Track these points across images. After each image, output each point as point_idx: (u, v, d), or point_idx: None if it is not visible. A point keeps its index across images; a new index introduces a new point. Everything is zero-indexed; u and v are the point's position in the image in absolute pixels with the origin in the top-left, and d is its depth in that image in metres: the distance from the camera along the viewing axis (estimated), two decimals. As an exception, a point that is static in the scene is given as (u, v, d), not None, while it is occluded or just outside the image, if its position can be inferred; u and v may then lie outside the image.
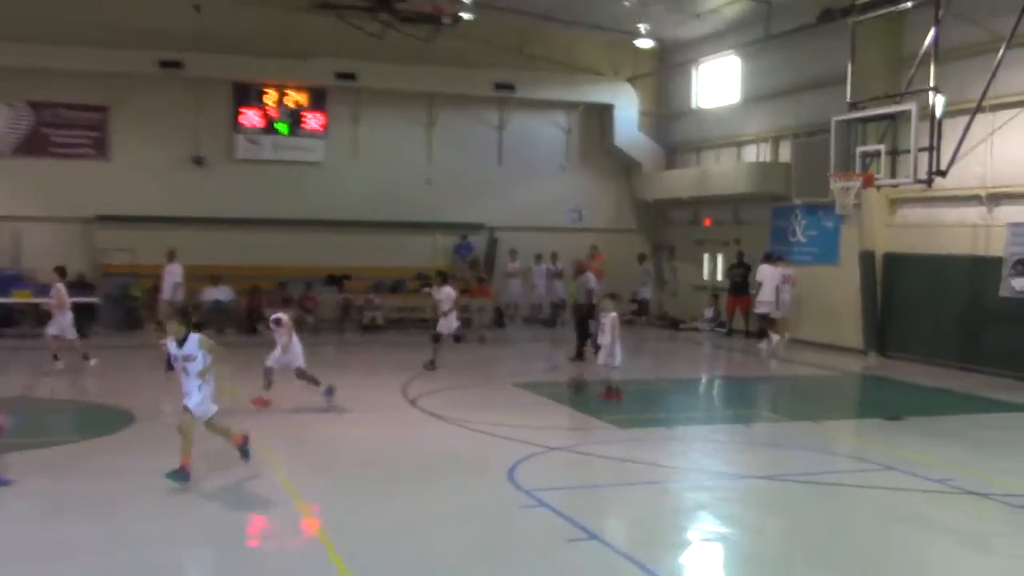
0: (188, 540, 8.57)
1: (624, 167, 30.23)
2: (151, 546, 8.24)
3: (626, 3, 24.21)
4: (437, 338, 18.68)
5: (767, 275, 22.01)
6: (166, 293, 23.38)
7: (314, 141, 27.55)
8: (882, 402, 17.04)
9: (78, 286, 24.00)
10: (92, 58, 24.61)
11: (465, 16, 24.57)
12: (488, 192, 28.74)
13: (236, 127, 26.87)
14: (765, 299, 21.87)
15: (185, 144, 26.48)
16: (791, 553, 8.58)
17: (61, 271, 18.83)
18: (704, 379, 20.69)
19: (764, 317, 22.11)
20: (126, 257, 24.92)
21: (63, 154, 25.72)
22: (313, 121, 27.43)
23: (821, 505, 10.07)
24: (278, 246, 26.47)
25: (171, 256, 23.62)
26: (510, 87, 27.95)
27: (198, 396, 10.14)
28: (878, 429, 13.88)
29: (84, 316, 23.24)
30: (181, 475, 9.79)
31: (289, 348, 14.55)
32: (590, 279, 20.79)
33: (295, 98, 27.24)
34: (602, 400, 15.08)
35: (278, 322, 14.63)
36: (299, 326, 16.52)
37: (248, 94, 26.86)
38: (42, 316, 22.71)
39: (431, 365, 18.36)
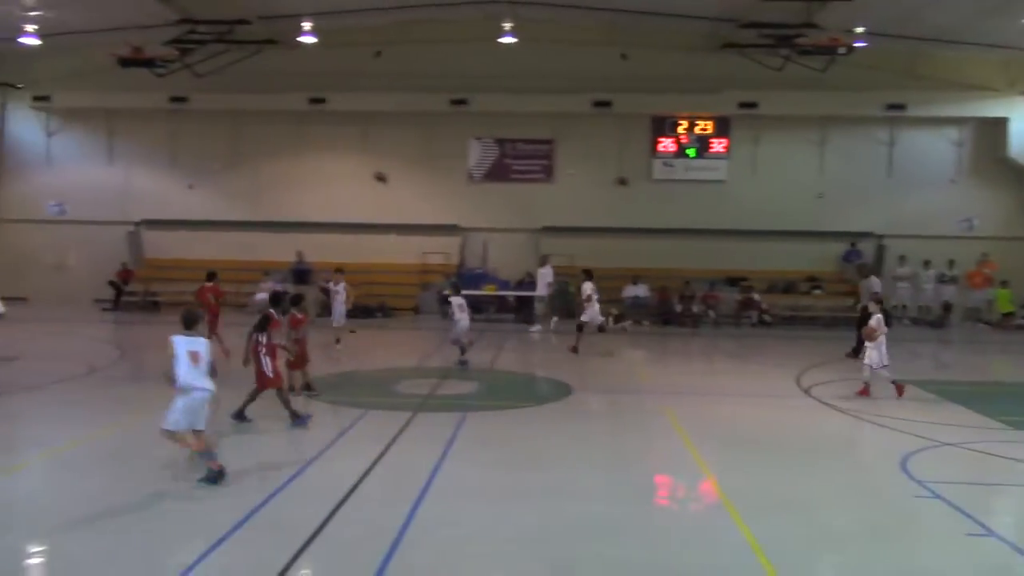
0: (614, 494, 8.71)
1: (1020, 176, 26.49)
2: (589, 497, 8.54)
3: (1024, 21, 21.18)
4: (580, 327, 18.00)
5: None
6: (540, 290, 23.75)
7: (718, 162, 27.27)
8: None
9: (526, 283, 25.83)
10: (543, 102, 26.38)
11: (859, 45, 22.83)
12: (876, 203, 26.68)
13: (653, 153, 27.34)
14: None
15: (612, 168, 27.42)
16: None
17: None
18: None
19: None
20: (564, 260, 26.28)
21: (519, 178, 27.76)
22: (718, 145, 27.18)
23: None
24: (686, 251, 26.59)
25: (543, 261, 24.04)
26: (900, 107, 25.68)
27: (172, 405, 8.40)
28: None
29: (527, 306, 24.95)
30: (210, 478, 8.40)
31: (458, 323, 15.92)
32: (874, 283, 18.79)
33: (703, 126, 27.16)
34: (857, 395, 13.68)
35: (448, 302, 16.17)
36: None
37: (663, 125, 27.26)
38: (502, 305, 24.74)
39: (575, 350, 17.72)
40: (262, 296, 20.33)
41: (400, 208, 27.34)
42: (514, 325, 23.61)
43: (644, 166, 27.49)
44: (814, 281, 26.01)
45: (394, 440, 10.42)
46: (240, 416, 11.11)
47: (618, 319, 24.58)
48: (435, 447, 10.01)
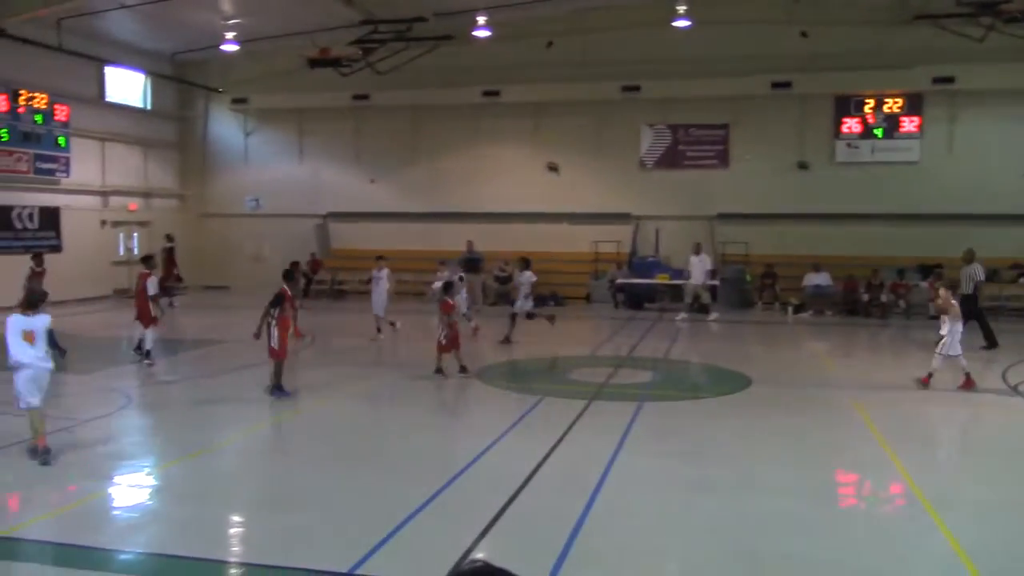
0: (800, 489, 8.26)
1: None
2: (772, 491, 8.16)
3: None
4: (513, 316, 17.63)
5: None
6: (696, 278, 22.55)
7: (909, 142, 25.49)
8: None
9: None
10: (717, 85, 25.59)
11: (1076, 7, 20.67)
12: (1096, 182, 24.07)
13: (836, 134, 25.93)
14: None
15: (791, 151, 26.23)
16: None
17: None
18: None
19: None
20: (741, 248, 25.43)
21: (693, 165, 27.07)
22: (909, 124, 25.40)
23: None
24: (871, 237, 25.07)
25: (697, 249, 22.72)
26: None
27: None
28: None
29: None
30: (37, 453, 8.60)
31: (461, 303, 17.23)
32: (977, 270, 16.77)
33: (891, 104, 25.45)
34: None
35: (462, 279, 18.17)
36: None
37: (848, 104, 25.76)
38: (676, 294, 24.23)
39: (507, 340, 17.28)
40: (438, 284, 20.90)
41: (572, 197, 27.33)
42: (688, 314, 23.06)
43: (826, 148, 26.11)
44: (1020, 268, 23.84)
45: (570, 427, 10.41)
46: (278, 390, 11.90)
47: (798, 309, 23.59)
48: (611, 436, 9.91)
